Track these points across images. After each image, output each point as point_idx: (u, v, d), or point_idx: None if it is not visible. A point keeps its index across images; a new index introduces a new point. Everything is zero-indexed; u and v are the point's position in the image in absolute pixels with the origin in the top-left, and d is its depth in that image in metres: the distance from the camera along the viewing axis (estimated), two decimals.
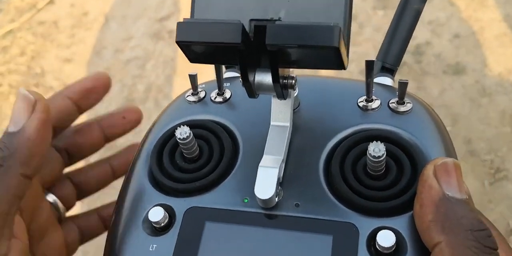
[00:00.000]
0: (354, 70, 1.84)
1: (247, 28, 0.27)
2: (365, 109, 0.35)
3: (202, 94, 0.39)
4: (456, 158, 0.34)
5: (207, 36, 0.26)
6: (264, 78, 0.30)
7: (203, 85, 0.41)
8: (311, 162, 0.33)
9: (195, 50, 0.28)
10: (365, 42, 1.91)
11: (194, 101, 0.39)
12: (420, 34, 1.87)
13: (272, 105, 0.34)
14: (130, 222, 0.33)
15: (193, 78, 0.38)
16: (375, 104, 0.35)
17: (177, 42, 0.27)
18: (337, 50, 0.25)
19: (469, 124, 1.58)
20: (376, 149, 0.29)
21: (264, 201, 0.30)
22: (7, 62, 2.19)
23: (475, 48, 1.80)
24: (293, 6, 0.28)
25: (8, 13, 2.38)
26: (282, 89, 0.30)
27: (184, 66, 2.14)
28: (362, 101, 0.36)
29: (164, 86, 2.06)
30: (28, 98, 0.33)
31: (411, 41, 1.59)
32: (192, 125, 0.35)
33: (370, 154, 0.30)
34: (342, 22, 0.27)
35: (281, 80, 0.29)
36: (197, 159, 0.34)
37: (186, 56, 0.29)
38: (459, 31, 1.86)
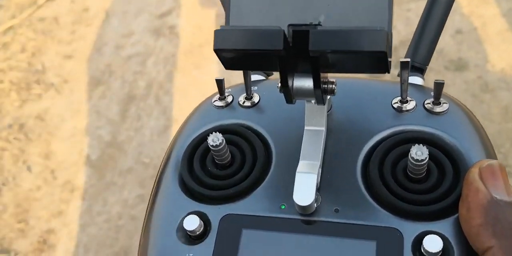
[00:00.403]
0: None
1: (286, 33, 0.27)
2: (400, 110, 0.34)
3: (229, 99, 0.38)
4: (497, 159, 0.33)
5: (247, 43, 0.26)
6: (303, 83, 0.29)
7: (230, 90, 0.40)
8: (348, 166, 0.33)
9: (233, 57, 0.28)
10: None
11: (221, 106, 0.38)
12: None
13: (306, 109, 0.33)
14: (164, 231, 0.32)
15: (220, 82, 0.37)
16: (410, 105, 0.34)
17: (215, 50, 0.27)
18: (385, 54, 0.25)
19: None
20: (419, 152, 0.29)
21: (303, 207, 0.30)
22: (7, 59, 2.18)
23: (478, 43, 1.79)
24: (334, 9, 0.27)
25: (9, 9, 2.37)
26: (322, 94, 0.29)
27: (185, 62, 2.13)
28: (397, 102, 0.35)
29: (165, 83, 2.05)
30: None
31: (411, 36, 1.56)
32: (222, 130, 0.35)
33: (412, 158, 0.29)
34: (387, 24, 0.27)
35: (322, 85, 0.29)
36: (229, 165, 0.34)
37: (222, 63, 0.29)
38: (461, 27, 1.85)
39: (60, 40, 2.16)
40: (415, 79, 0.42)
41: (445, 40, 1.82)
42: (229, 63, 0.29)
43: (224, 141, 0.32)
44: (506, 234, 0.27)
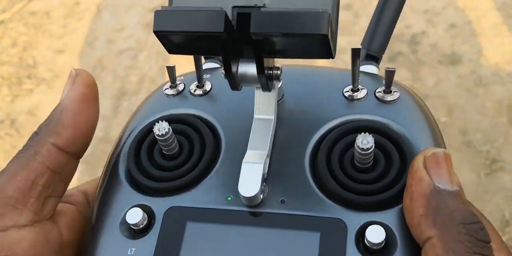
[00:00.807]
0: (350, 60, 1.82)
1: (229, 16, 0.26)
2: (351, 99, 0.34)
3: (181, 87, 0.37)
4: (445, 148, 0.32)
5: (187, 25, 0.25)
6: (248, 69, 0.28)
7: (182, 77, 0.39)
8: (297, 156, 0.32)
9: (174, 40, 0.27)
10: (361, 31, 1.89)
11: (172, 94, 0.37)
12: (416, 23, 1.85)
13: (256, 97, 0.32)
14: (107, 225, 0.31)
15: (171, 70, 0.36)
16: (361, 93, 0.34)
17: (155, 32, 0.25)
18: (326, 37, 0.24)
19: (465, 114, 1.57)
20: (365, 141, 0.28)
21: (248, 198, 0.29)
22: None
23: (472, 37, 1.78)
24: None
25: None
26: (267, 80, 0.29)
27: (178, 56, 2.11)
28: (348, 91, 0.34)
29: (157, 77, 2.03)
30: (71, 73, 0.33)
31: (406, 30, 1.57)
32: (171, 119, 0.34)
33: (358, 147, 0.28)
34: (331, 7, 0.26)
35: (266, 71, 0.28)
36: (177, 156, 0.33)
37: (165, 47, 0.28)
38: (455, 21, 1.84)
39: (52, 34, 2.13)
40: (370, 68, 0.42)
41: (439, 34, 1.81)
42: (171, 47, 0.27)
43: (171, 130, 0.31)
44: (447, 224, 0.26)
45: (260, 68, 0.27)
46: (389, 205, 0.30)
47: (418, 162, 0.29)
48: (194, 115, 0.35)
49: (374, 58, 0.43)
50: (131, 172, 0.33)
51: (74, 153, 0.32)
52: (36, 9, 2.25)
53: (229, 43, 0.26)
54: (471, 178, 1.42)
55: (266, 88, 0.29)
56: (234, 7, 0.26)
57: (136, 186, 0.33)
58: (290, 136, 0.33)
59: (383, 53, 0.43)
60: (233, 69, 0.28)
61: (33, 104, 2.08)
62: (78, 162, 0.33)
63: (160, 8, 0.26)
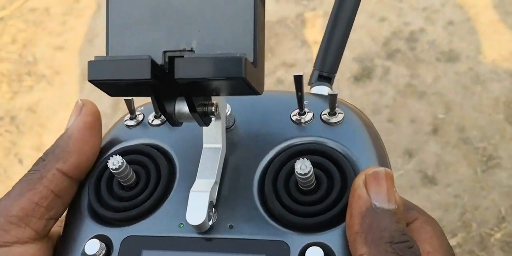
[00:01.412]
0: (348, 57, 1.83)
1: (161, 60, 0.28)
2: (298, 122, 0.35)
3: (140, 117, 0.38)
4: (390, 168, 0.34)
5: (117, 74, 0.26)
6: (183, 107, 0.30)
7: (142, 108, 0.40)
8: (246, 181, 0.33)
9: (111, 87, 0.28)
10: (359, 28, 1.90)
11: (133, 125, 0.38)
12: (414, 21, 1.86)
13: (203, 128, 0.34)
14: None
15: (129, 103, 0.37)
16: (308, 117, 0.35)
17: (90, 81, 0.27)
18: (245, 80, 0.26)
19: (462, 111, 1.58)
20: (303, 166, 0.29)
21: (196, 226, 0.31)
22: None
23: (469, 34, 1.79)
24: (204, 36, 0.28)
25: None
26: (202, 117, 0.30)
27: None
28: (295, 115, 0.35)
29: None
30: (77, 103, 0.36)
31: (405, 27, 1.58)
32: (129, 151, 0.36)
33: (297, 172, 0.30)
34: (252, 50, 0.27)
35: (200, 108, 0.30)
36: (135, 186, 0.34)
37: (104, 92, 0.29)
38: (453, 18, 1.85)
39: (51, 32, 2.14)
40: (323, 89, 0.44)
41: (437, 31, 1.82)
42: (110, 92, 0.29)
43: (125, 163, 0.32)
44: (376, 243, 0.27)
45: (192, 107, 0.29)
46: (331, 225, 0.31)
47: (358, 180, 0.30)
48: (151, 145, 0.36)
49: (327, 78, 0.45)
50: (91, 203, 0.34)
51: (77, 178, 0.35)
52: (36, 6, 2.26)
53: (162, 85, 0.28)
54: (468, 174, 1.43)
55: (202, 124, 0.31)
56: (165, 51, 0.28)
57: (97, 217, 0.34)
58: (241, 162, 0.34)
59: (335, 72, 0.45)
60: (169, 108, 0.29)
61: (33, 101, 2.09)
62: (78, 186, 0.35)
63: (93, 58, 0.27)
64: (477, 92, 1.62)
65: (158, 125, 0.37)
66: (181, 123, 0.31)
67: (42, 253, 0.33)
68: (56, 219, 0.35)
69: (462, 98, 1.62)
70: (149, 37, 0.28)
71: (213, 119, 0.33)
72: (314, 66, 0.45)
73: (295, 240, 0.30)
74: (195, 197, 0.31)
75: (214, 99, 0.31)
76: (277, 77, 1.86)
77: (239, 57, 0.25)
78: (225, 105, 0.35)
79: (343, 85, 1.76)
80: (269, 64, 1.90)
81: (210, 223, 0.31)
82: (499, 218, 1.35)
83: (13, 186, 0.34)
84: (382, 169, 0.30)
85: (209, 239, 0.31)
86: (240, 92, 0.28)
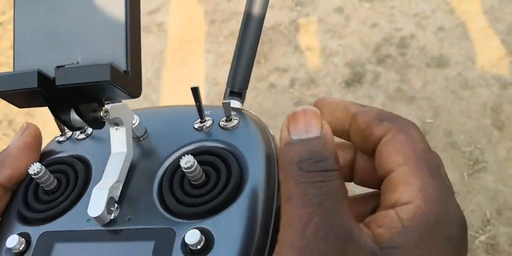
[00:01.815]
0: (340, 62, 1.86)
1: (53, 74, 0.32)
2: (200, 129, 0.40)
3: (69, 134, 0.45)
4: (276, 160, 0.36)
5: (11, 85, 0.32)
6: (75, 114, 0.35)
7: None
8: (148, 181, 0.38)
9: (13, 98, 0.33)
10: (351, 34, 1.93)
11: (63, 140, 0.44)
12: (405, 26, 1.89)
13: (110, 135, 0.39)
14: None
15: (58, 123, 0.44)
16: (207, 123, 0.40)
17: None
18: (112, 83, 0.31)
19: (450, 116, 1.61)
20: (187, 161, 0.34)
21: (96, 218, 0.35)
22: None
23: (459, 40, 1.82)
24: (87, 51, 0.33)
25: None
26: (92, 122, 0.35)
27: (174, 59, 2.15)
28: (198, 123, 0.41)
29: (153, 79, 2.07)
30: (22, 126, 0.42)
31: (396, 33, 1.61)
32: (54, 162, 0.41)
33: (182, 167, 0.34)
34: (124, 60, 0.33)
35: (91, 114, 0.35)
36: (56, 191, 0.40)
37: (13, 104, 0.35)
38: (444, 24, 1.88)
39: None
40: (234, 103, 0.50)
41: (427, 37, 1.85)
42: (16, 104, 0.34)
43: (43, 169, 0.37)
44: (284, 169, 0.29)
45: (79, 113, 0.34)
46: (214, 213, 0.35)
47: (282, 126, 0.31)
48: (74, 156, 0.42)
49: (238, 94, 0.51)
50: (18, 206, 0.40)
51: (10, 188, 0.40)
52: None
53: (53, 96, 0.33)
54: (454, 177, 1.45)
55: (95, 127, 0.36)
56: (57, 66, 0.33)
57: (22, 218, 0.40)
58: (147, 165, 0.39)
59: (246, 88, 0.52)
60: (64, 116, 0.34)
61: None
62: (11, 194, 0.41)
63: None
64: (465, 97, 1.65)
65: (84, 138, 0.43)
66: (79, 128, 0.36)
67: None
68: None
69: (451, 103, 1.65)
70: (46, 55, 0.34)
71: (118, 127, 0.38)
72: (227, 83, 0.51)
73: (181, 227, 0.34)
74: (97, 193, 0.36)
75: (112, 109, 0.36)
76: (269, 82, 1.89)
77: (106, 64, 0.31)
78: (130, 115, 0.39)
79: (334, 90, 1.79)
80: (262, 69, 1.93)
81: (112, 217, 0.36)
82: (484, 221, 1.37)
83: None
84: (300, 107, 0.31)
85: (110, 231, 0.36)
86: (117, 96, 0.34)
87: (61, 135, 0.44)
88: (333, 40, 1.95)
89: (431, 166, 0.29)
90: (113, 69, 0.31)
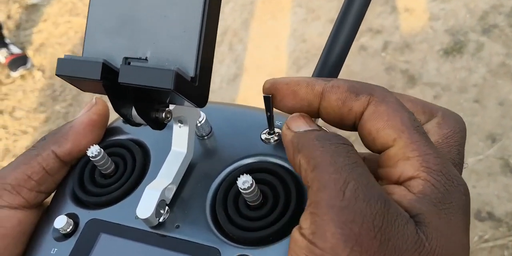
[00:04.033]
0: (440, 28, 1.74)
1: (119, 64, 0.31)
2: (266, 141, 0.37)
3: None
4: None
5: (76, 72, 0.31)
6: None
7: None
8: (204, 188, 0.36)
9: (77, 83, 0.33)
10: None
11: None
12: None
13: (173, 131, 0.37)
14: (44, 227, 0.38)
15: None
16: (276, 137, 0.37)
17: (57, 75, 0.32)
18: (171, 92, 0.29)
19: None
20: (245, 182, 0.31)
21: (144, 220, 0.34)
22: None
23: None
24: (158, 48, 0.31)
25: None
26: (152, 121, 0.33)
27: (262, 11, 2.09)
28: (265, 134, 0.37)
29: (240, 30, 2.04)
30: (91, 101, 0.42)
31: (507, 0, 1.46)
32: (114, 144, 0.40)
33: (240, 187, 0.32)
34: (194, 66, 0.30)
35: (152, 114, 0.33)
36: (113, 175, 0.39)
37: (76, 87, 0.34)
38: None
39: None
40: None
41: None
42: (81, 88, 0.33)
43: (102, 152, 0.37)
44: (305, 145, 0.30)
45: (139, 111, 0.32)
46: (265, 242, 0.32)
47: (283, 128, 0.32)
48: (135, 141, 0.40)
49: None
50: (73, 185, 0.39)
51: (68, 162, 0.39)
52: None
53: (116, 88, 0.31)
54: None
55: (155, 127, 0.33)
56: (125, 57, 0.32)
57: (74, 197, 0.39)
58: (205, 170, 0.37)
59: None
60: (124, 109, 0.33)
61: None
62: (69, 169, 0.40)
63: (64, 56, 0.32)
64: None
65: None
66: (139, 124, 0.34)
67: (29, 220, 0.38)
68: (48, 194, 0.39)
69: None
70: (116, 43, 0.32)
71: (181, 125, 0.37)
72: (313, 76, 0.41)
73: (228, 250, 0.33)
74: (148, 194, 0.35)
75: (177, 108, 0.34)
76: (360, 44, 1.81)
77: (171, 70, 0.29)
78: (196, 114, 0.38)
79: (430, 57, 1.68)
80: None
81: (161, 220, 0.35)
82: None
83: (15, 159, 0.39)
84: (296, 113, 0.33)
85: (156, 235, 0.35)
86: (181, 103, 0.32)
87: None
88: (435, 3, 1.82)
89: (423, 135, 0.29)
90: (178, 76, 0.29)
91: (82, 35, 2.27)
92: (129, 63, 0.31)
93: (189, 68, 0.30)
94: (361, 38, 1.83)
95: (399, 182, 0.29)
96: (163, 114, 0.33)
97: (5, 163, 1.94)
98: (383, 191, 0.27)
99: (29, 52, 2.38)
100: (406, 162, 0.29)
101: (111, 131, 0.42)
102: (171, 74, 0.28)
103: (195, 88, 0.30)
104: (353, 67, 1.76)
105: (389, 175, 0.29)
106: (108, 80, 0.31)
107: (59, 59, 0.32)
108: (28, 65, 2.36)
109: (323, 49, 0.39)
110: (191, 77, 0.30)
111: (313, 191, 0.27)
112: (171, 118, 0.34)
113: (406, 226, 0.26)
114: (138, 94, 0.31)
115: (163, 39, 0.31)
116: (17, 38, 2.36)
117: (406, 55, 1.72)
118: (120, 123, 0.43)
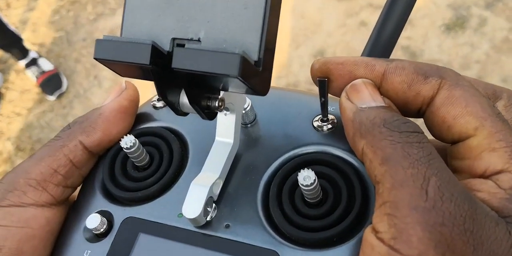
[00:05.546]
0: (442, 3, 1.71)
1: (168, 47, 0.27)
2: (319, 129, 0.33)
3: None
4: None
5: (120, 55, 0.27)
6: (185, 97, 0.29)
7: None
8: (253, 182, 0.32)
9: (116, 67, 0.28)
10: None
11: (160, 107, 0.38)
12: None
13: (218, 120, 0.33)
14: (74, 227, 0.34)
15: None
16: (330, 125, 0.33)
17: (95, 59, 0.28)
18: (240, 79, 0.25)
19: None
20: (306, 177, 0.28)
21: (191, 220, 0.30)
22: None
23: None
24: (213, 27, 0.27)
25: None
26: (203, 110, 0.29)
27: None
28: (317, 121, 0.33)
29: None
30: (121, 85, 0.37)
31: None
32: (146, 132, 0.36)
33: (300, 183, 0.28)
34: (257, 49, 0.26)
35: (204, 101, 0.29)
36: (147, 168, 0.35)
37: (114, 71, 0.30)
38: None
39: None
40: None
41: None
42: (119, 72, 0.29)
43: (137, 143, 0.33)
44: (370, 131, 0.27)
45: (191, 99, 0.28)
46: (328, 245, 0.29)
47: (342, 97, 0.29)
48: (170, 129, 0.36)
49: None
50: (103, 178, 0.35)
51: (97, 153, 0.36)
52: None
53: (164, 73, 0.27)
54: None
55: (205, 117, 0.30)
56: (173, 38, 0.27)
57: (106, 192, 0.35)
58: (253, 161, 0.33)
59: None
60: (172, 97, 0.29)
61: (115, 24, 2.13)
62: (96, 160, 0.36)
63: (102, 37, 0.28)
64: None
65: None
66: (186, 113, 0.30)
67: (57, 218, 0.34)
68: (74, 188, 0.36)
69: None
70: (162, 22, 0.28)
71: (227, 112, 0.32)
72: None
73: (287, 253, 0.30)
74: (195, 190, 0.31)
75: (225, 94, 0.30)
76: (360, 19, 1.77)
77: (236, 55, 0.25)
78: (243, 100, 0.34)
79: (432, 33, 1.65)
80: (354, 3, 1.80)
81: (208, 218, 0.32)
82: None
83: (37, 150, 0.35)
84: (358, 80, 0.29)
85: (202, 235, 0.31)
86: (240, 90, 0.28)
87: (158, 100, 0.38)
88: None
89: (506, 123, 0.27)
90: (244, 61, 0.25)
91: (75, 14, 2.23)
92: (181, 45, 0.27)
93: (253, 51, 0.26)
94: (361, 13, 1.79)
95: (484, 176, 0.26)
96: (216, 102, 0.29)
97: None
98: (465, 188, 0.25)
99: (26, 33, 2.34)
100: (493, 154, 0.26)
101: (139, 117, 0.38)
102: (237, 59, 0.24)
103: (259, 74, 0.26)
104: (353, 43, 1.73)
105: (472, 169, 0.27)
106: (157, 65, 0.27)
107: (97, 40, 0.27)
108: (64, 87, 2.05)
109: (374, 27, 0.36)
110: (255, 61, 0.26)
111: (386, 189, 0.25)
112: (223, 107, 0.30)
113: (497, 228, 0.24)
114: (190, 80, 0.27)
115: (219, 16, 0.27)
116: (9, 18, 2.31)
117: (407, 31, 1.69)
118: (149, 108, 0.38)
